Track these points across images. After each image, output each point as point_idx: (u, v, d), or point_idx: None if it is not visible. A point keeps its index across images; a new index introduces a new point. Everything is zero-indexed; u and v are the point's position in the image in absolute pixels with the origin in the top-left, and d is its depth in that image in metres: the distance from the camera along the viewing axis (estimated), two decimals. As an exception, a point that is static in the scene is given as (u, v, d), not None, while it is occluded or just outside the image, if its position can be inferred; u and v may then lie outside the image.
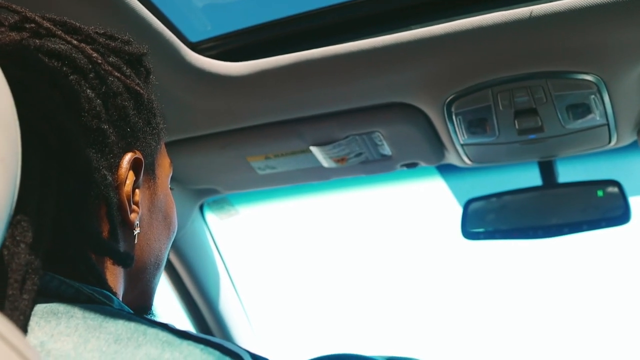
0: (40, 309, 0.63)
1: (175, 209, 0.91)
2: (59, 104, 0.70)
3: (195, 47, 1.32)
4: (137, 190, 0.79)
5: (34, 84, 0.68)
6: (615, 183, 1.48)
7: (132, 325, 0.62)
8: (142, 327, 0.62)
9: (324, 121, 1.42)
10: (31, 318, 0.61)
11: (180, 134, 1.50)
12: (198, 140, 1.53)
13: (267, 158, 1.55)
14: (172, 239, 0.90)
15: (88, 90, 0.73)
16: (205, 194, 1.81)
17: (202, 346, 0.61)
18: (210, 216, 1.95)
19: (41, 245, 0.62)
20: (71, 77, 0.72)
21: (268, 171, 1.61)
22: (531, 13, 1.11)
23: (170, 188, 0.91)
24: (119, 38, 0.83)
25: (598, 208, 1.50)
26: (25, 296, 0.58)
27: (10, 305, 0.57)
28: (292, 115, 1.42)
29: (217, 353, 0.61)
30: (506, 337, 2.70)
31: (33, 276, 0.59)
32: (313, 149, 1.48)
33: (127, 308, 0.74)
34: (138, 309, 0.84)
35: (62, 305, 0.64)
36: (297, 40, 1.30)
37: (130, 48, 0.82)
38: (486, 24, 1.14)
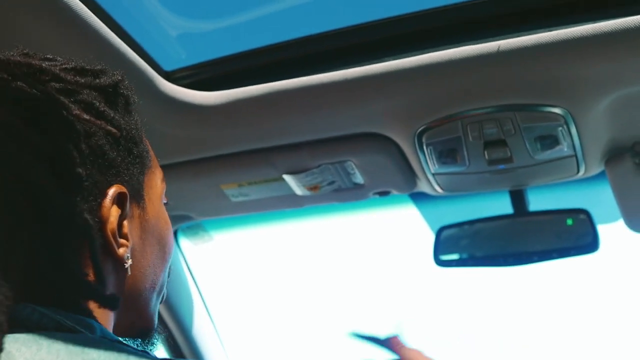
0: (21, 337, 0.62)
1: (170, 227, 0.86)
2: (25, 156, 0.67)
3: (169, 76, 1.32)
4: (124, 223, 0.75)
5: None
6: (584, 212, 1.50)
7: (114, 353, 0.63)
8: (123, 355, 0.63)
9: (296, 150, 1.43)
10: (12, 345, 0.60)
11: (153, 161, 1.50)
12: (172, 168, 1.52)
13: (240, 186, 1.56)
14: (169, 260, 0.86)
15: (58, 136, 0.69)
16: (179, 220, 1.81)
17: None
18: (184, 242, 1.94)
19: (4, 304, 0.61)
20: (39, 124, 0.69)
21: (241, 198, 1.61)
22: (499, 47, 1.13)
23: (165, 203, 0.87)
24: (89, 70, 0.78)
25: (567, 236, 1.51)
26: None
27: None
28: (265, 144, 1.43)
29: None
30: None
31: None
32: (286, 177, 1.49)
33: (111, 335, 0.71)
34: (139, 332, 0.82)
35: (44, 334, 0.63)
36: (270, 70, 1.31)
37: (102, 80, 0.77)
38: (456, 58, 1.16)
